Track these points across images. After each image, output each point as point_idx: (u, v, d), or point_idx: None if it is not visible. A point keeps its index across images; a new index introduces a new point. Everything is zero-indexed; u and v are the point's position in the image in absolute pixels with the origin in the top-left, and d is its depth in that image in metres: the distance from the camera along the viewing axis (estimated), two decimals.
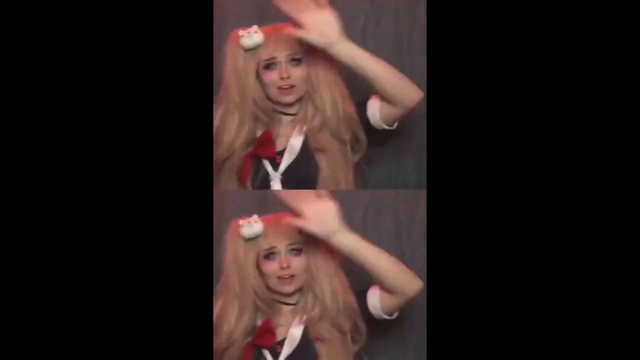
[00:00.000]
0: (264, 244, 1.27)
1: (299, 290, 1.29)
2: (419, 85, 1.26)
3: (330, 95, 1.32)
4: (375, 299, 1.26)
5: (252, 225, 1.26)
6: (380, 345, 1.37)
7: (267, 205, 1.28)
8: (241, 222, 1.27)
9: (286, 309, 1.29)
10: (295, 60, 1.31)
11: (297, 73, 1.31)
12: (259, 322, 1.28)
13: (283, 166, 1.32)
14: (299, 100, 1.33)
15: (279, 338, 1.27)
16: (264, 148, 1.32)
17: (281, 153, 1.32)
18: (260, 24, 1.30)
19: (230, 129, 1.31)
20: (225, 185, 1.33)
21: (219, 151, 1.31)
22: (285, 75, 1.30)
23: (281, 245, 1.27)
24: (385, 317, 1.26)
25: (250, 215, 1.27)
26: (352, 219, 1.27)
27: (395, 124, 1.31)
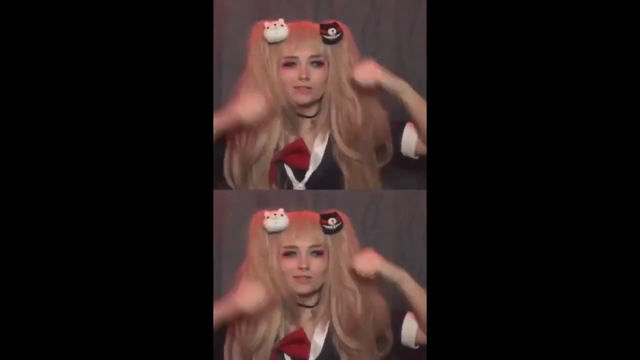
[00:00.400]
0: (286, 241, 1.25)
1: (317, 292, 1.27)
2: (419, 86, 1.26)
3: (365, 105, 1.29)
4: (411, 329, 1.25)
5: (277, 219, 1.24)
6: None
7: (267, 206, 1.28)
8: (266, 214, 1.25)
9: (305, 313, 1.28)
10: (317, 62, 1.28)
11: (317, 75, 1.28)
12: (290, 327, 1.26)
13: (307, 175, 1.31)
14: (318, 102, 1.30)
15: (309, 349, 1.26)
16: (296, 157, 1.30)
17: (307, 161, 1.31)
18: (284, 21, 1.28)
19: (270, 128, 1.29)
20: (255, 184, 1.30)
21: (248, 155, 1.29)
22: (304, 76, 1.27)
23: (303, 244, 1.25)
24: (414, 347, 1.26)
25: (276, 209, 1.25)
26: (352, 219, 1.27)
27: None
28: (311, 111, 1.31)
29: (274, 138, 1.29)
